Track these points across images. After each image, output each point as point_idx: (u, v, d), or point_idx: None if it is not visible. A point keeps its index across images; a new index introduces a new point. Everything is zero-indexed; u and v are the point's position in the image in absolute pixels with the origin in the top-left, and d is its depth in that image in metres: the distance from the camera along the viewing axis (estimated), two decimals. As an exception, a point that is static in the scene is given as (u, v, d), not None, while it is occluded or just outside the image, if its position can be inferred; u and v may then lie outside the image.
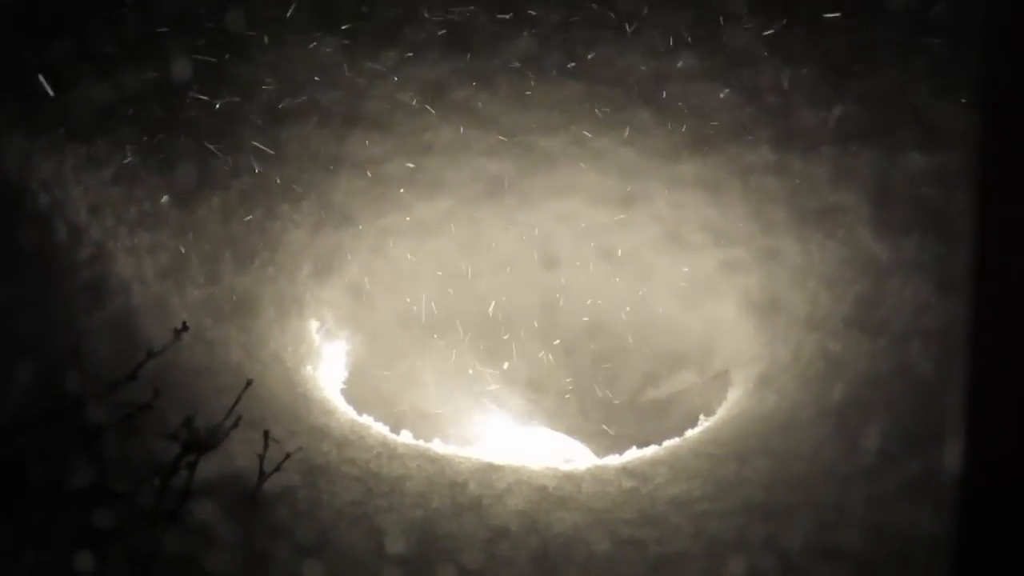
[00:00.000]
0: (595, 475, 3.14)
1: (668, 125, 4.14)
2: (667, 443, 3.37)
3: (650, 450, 3.35)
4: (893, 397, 3.32)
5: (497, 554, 2.82)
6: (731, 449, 3.23)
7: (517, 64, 4.26)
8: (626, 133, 4.14)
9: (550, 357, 4.19)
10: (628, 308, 4.14)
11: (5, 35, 4.04)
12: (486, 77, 4.24)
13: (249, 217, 3.90)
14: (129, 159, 3.87)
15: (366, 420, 3.44)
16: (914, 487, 2.93)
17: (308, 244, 3.94)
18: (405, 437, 3.36)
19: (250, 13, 4.28)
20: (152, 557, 2.57)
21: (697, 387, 3.99)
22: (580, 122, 4.17)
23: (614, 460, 3.31)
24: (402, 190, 4.08)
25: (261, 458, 2.87)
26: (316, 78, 4.21)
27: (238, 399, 2.84)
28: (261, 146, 4.04)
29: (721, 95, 4.19)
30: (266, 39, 4.27)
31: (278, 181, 3.99)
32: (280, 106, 4.14)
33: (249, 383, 2.89)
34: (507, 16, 4.38)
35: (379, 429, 3.38)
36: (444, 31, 4.35)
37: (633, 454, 3.33)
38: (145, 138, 3.93)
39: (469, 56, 4.29)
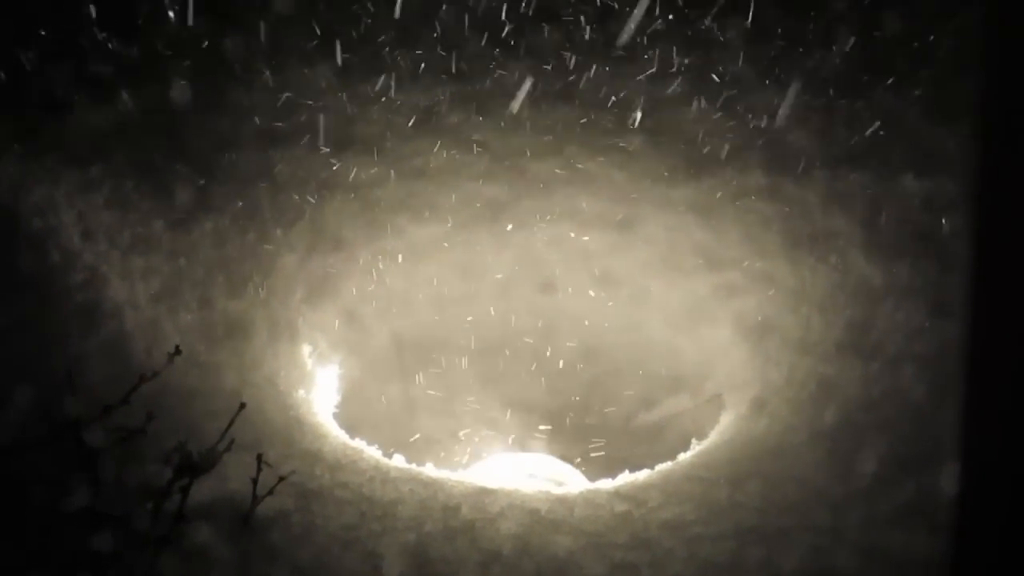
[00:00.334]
0: (588, 499, 3.13)
1: (661, 149, 4.15)
2: (660, 467, 3.36)
3: (643, 474, 3.34)
4: (886, 421, 3.32)
5: (490, 578, 2.82)
6: (724, 473, 3.22)
7: (510, 88, 4.28)
8: (619, 157, 4.15)
9: (543, 380, 4.19)
10: (621, 332, 4.14)
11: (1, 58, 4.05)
12: (479, 102, 4.26)
13: (242, 241, 3.90)
14: (122, 183, 3.87)
15: (359, 444, 3.43)
16: (907, 511, 2.93)
17: (301, 268, 3.94)
18: (398, 461, 3.35)
19: (245, 38, 4.30)
20: (146, 581, 2.58)
21: (690, 411, 3.99)
22: (573, 146, 4.18)
23: (607, 484, 3.30)
24: (395, 214, 4.09)
25: (255, 481, 2.86)
26: (310, 102, 4.23)
27: (231, 423, 2.84)
28: (254, 170, 4.04)
29: (713, 119, 4.21)
30: (260, 64, 4.29)
31: (271, 205, 3.99)
32: (273, 130, 4.15)
33: (242, 407, 2.89)
34: (500, 41, 4.41)
35: (372, 453, 3.37)
36: (437, 56, 4.37)
37: (626, 478, 3.32)
38: (139, 162, 3.94)
39: (462, 81, 4.30)
